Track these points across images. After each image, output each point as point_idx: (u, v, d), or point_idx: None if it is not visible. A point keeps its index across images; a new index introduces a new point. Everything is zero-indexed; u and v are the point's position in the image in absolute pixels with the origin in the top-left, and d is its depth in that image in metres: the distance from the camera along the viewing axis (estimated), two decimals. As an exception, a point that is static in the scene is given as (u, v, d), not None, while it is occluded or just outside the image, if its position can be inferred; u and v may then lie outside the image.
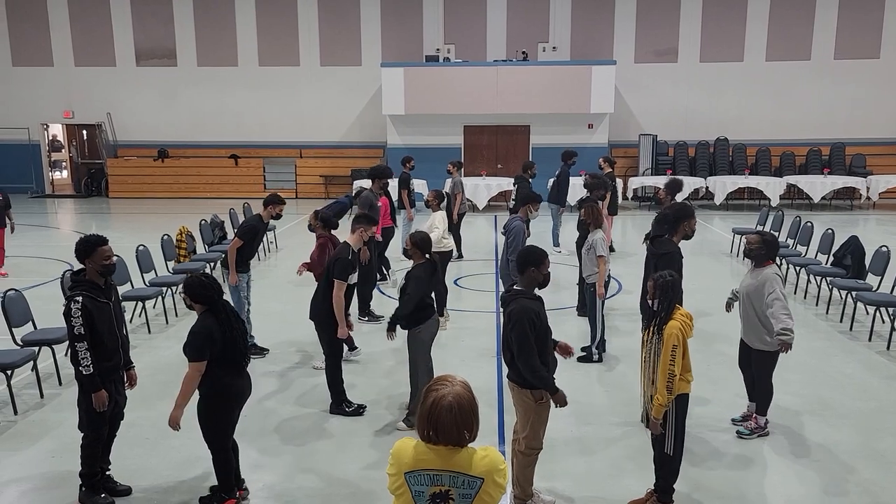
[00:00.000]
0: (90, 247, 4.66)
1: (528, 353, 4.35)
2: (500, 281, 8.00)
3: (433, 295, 6.05)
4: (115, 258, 4.85)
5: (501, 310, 4.66)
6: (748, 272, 5.63)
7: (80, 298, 4.54)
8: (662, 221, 6.51)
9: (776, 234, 12.10)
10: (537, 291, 4.62)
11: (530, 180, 12.35)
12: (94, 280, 4.67)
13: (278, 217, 7.81)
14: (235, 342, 4.49)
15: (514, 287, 4.65)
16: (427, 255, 5.93)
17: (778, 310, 5.27)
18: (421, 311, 5.78)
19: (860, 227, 15.57)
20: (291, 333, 8.30)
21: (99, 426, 4.70)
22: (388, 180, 9.93)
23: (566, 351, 4.75)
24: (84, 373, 4.53)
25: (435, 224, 8.73)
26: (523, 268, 4.57)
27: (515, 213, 8.09)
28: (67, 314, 4.54)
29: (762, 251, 5.46)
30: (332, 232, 7.54)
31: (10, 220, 11.36)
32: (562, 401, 4.48)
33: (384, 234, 10.32)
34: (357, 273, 6.28)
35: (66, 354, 4.78)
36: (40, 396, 6.52)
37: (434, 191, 9.28)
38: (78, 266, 4.79)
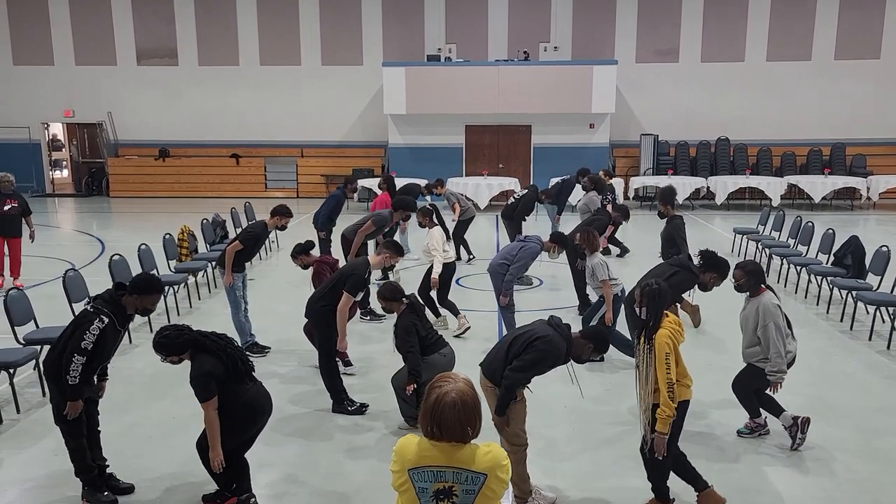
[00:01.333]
0: (149, 288, 4.70)
1: (523, 375, 4.43)
2: (491, 280, 7.87)
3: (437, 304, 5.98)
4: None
5: (546, 320, 4.64)
6: (746, 300, 5.59)
7: (106, 320, 4.52)
8: (705, 257, 6.38)
9: (776, 233, 12.11)
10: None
11: (537, 199, 12.24)
12: (126, 307, 4.68)
13: (283, 229, 7.81)
14: (234, 360, 4.45)
15: (569, 326, 4.64)
16: (405, 300, 5.75)
17: (772, 352, 5.29)
18: (427, 347, 5.68)
19: (860, 226, 15.58)
20: (293, 333, 8.30)
21: (72, 421, 4.66)
22: (410, 214, 9.74)
23: None
24: (70, 382, 4.50)
25: (433, 245, 8.58)
26: (586, 337, 4.60)
27: (538, 239, 7.93)
28: (86, 325, 4.49)
29: (750, 282, 5.45)
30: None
31: (30, 227, 10.51)
32: (500, 424, 4.51)
33: (385, 235, 10.32)
34: (361, 294, 6.29)
35: (50, 351, 4.73)
36: (42, 395, 6.53)
37: (420, 211, 9.11)
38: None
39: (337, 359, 7.30)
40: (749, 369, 5.60)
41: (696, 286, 6.40)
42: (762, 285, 5.47)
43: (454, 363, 5.78)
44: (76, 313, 5.04)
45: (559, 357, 4.49)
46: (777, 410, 5.62)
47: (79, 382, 4.51)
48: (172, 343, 4.39)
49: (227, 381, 4.39)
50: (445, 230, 10.90)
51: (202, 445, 4.55)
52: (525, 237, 7.84)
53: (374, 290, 9.17)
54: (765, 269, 6.30)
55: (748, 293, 5.51)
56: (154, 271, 9.36)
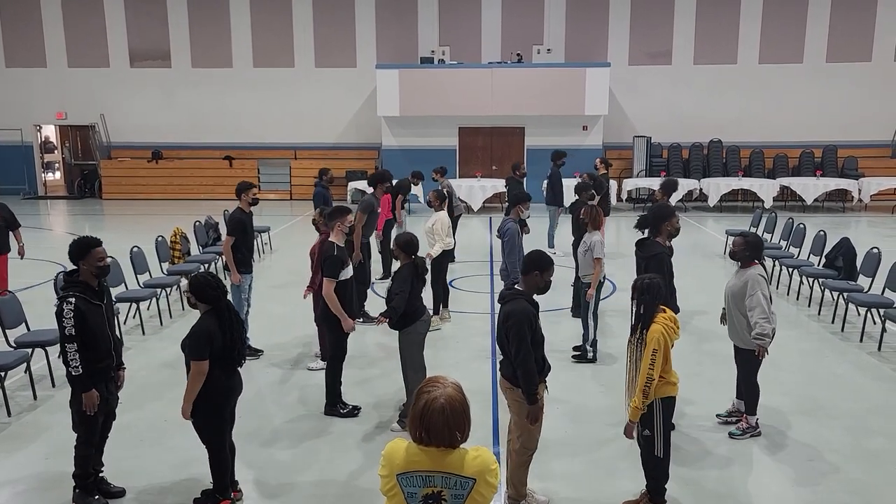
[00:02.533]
0: (84, 248, 4.65)
1: (525, 354, 4.36)
2: (502, 283, 7.98)
3: (424, 294, 6.08)
4: (108, 259, 4.83)
5: (499, 305, 4.68)
6: (735, 272, 5.75)
7: (72, 299, 4.53)
8: (643, 224, 6.56)
9: (769, 235, 12.15)
10: (536, 297, 4.62)
11: (521, 180, 12.37)
12: (87, 281, 4.66)
13: (255, 202, 7.77)
14: (234, 343, 4.52)
15: (516, 286, 4.67)
16: (413, 257, 5.93)
17: (757, 314, 5.41)
18: (411, 312, 5.80)
19: (852, 228, 15.65)
20: (286, 335, 8.30)
21: (91, 427, 4.70)
22: (389, 184, 9.87)
23: None
24: (73, 373, 4.53)
25: (437, 228, 8.74)
26: (528, 270, 4.57)
27: (508, 216, 8.14)
28: (59, 314, 4.53)
29: (746, 252, 5.58)
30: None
31: (18, 243, 9.51)
32: (535, 414, 4.47)
33: (386, 226, 10.36)
34: (350, 268, 6.31)
35: (58, 356, 4.76)
36: (34, 398, 6.51)
37: (435, 191, 9.31)
38: (71, 267, 4.76)
39: (361, 317, 7.95)
40: (741, 356, 5.70)
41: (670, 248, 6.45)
42: (756, 259, 5.59)
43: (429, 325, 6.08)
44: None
45: (530, 313, 4.43)
46: (754, 407, 5.74)
47: (83, 373, 4.53)
48: (203, 287, 4.48)
49: (217, 359, 4.43)
50: (453, 221, 11.00)
51: (209, 442, 4.58)
52: (498, 228, 7.96)
53: (372, 294, 9.25)
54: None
55: (740, 264, 5.63)
56: (147, 273, 9.37)
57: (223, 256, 11.15)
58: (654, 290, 4.48)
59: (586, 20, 20.35)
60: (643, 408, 4.39)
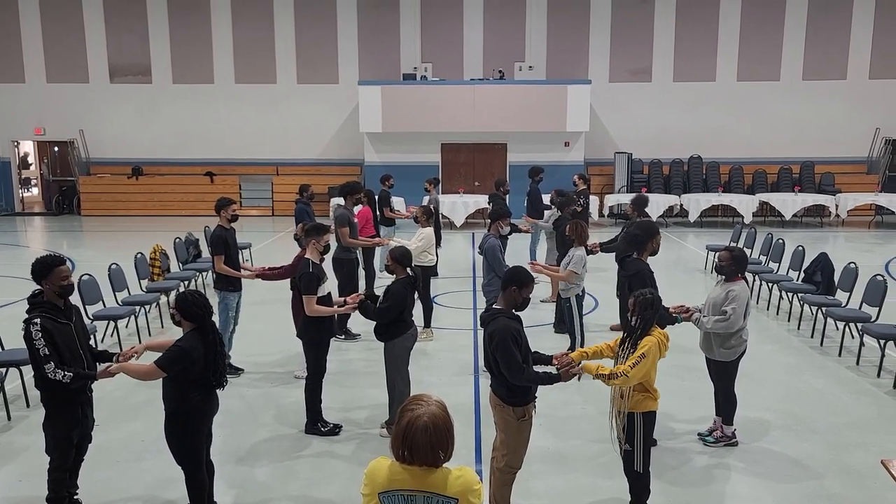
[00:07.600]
0: (46, 267, 4.55)
1: (516, 369, 4.33)
2: (485, 299, 7.96)
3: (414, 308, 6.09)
4: (72, 279, 4.71)
5: (481, 329, 4.67)
6: (717, 284, 5.81)
7: (38, 320, 4.42)
8: (632, 242, 6.58)
9: (748, 250, 12.27)
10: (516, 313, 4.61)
11: (504, 197, 12.43)
12: (52, 301, 4.56)
13: (235, 218, 7.71)
14: (216, 365, 4.44)
15: (494, 306, 4.65)
16: (408, 270, 5.99)
17: (722, 322, 5.49)
18: (399, 324, 5.83)
19: (830, 243, 15.86)
20: (267, 353, 8.22)
21: (66, 449, 4.59)
22: (360, 195, 9.94)
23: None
24: (66, 381, 4.40)
25: (418, 241, 8.78)
26: (506, 286, 4.54)
27: (489, 232, 8.18)
28: (28, 338, 4.42)
29: (732, 267, 5.64)
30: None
31: None
32: (567, 376, 4.40)
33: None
34: (328, 283, 6.30)
35: (35, 385, 4.64)
36: (7, 419, 6.38)
37: (421, 207, 9.35)
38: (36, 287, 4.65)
39: (342, 334, 8.06)
40: (716, 368, 5.75)
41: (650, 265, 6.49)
42: (740, 274, 5.66)
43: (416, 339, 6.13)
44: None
45: (513, 329, 4.39)
46: (731, 417, 5.79)
47: (74, 375, 4.44)
48: (190, 306, 4.40)
49: (197, 380, 4.36)
50: (438, 236, 11.03)
51: (185, 464, 4.50)
52: (479, 244, 8.00)
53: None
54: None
55: (724, 277, 5.69)
56: (125, 291, 9.25)
57: (206, 273, 11.16)
58: (655, 305, 4.53)
59: (567, 38, 20.57)
60: (600, 378, 4.37)
